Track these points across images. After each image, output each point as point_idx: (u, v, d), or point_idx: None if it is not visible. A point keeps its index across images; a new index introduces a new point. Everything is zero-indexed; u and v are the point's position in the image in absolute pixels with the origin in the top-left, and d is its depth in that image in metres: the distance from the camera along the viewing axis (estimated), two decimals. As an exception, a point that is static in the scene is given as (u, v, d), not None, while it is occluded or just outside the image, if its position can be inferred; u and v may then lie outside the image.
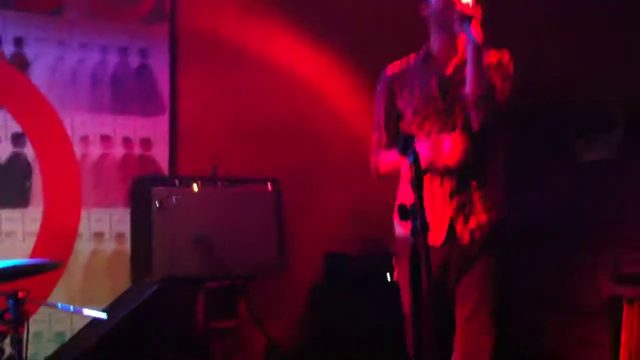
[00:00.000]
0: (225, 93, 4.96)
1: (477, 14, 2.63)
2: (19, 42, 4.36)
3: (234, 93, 5.00)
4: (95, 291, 4.45)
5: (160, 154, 4.74)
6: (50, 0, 4.48)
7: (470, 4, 2.65)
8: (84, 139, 4.53)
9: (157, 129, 4.74)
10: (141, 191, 4.21)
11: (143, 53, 4.74)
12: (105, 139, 4.60)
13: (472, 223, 2.69)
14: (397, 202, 2.76)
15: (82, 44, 4.55)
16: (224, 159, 4.59)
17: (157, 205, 4.05)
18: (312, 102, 5.22)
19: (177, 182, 4.23)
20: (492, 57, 2.75)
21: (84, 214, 4.48)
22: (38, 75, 4.40)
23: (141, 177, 4.33)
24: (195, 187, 4.24)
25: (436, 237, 2.65)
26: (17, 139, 4.33)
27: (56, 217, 4.38)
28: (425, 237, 2.25)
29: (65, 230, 4.41)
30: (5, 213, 4.28)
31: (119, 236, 4.56)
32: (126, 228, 4.47)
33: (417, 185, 2.28)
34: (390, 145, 2.82)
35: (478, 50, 2.58)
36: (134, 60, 4.71)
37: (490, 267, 2.69)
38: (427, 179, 2.59)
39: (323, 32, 5.18)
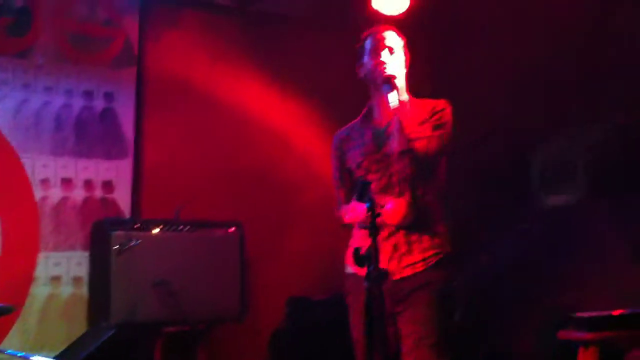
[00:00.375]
0: (191, 138, 4.99)
1: (398, 73, 2.89)
2: (-18, 84, 4.37)
3: (200, 138, 5.02)
4: (51, 336, 4.37)
5: (123, 197, 4.73)
6: (16, 43, 4.51)
7: (391, 65, 2.90)
8: (45, 182, 4.50)
9: (120, 172, 4.74)
10: (101, 235, 4.19)
11: (108, 97, 4.76)
12: (67, 182, 4.57)
13: (405, 262, 2.78)
14: (350, 245, 2.94)
15: (47, 87, 4.56)
16: (189, 203, 4.59)
17: (116, 249, 4.01)
18: (279, 147, 5.26)
19: (137, 225, 4.21)
20: (427, 106, 2.94)
21: (41, 257, 4.42)
22: (1, 118, 4.39)
23: (101, 220, 4.29)
24: (156, 231, 4.21)
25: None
26: (-25, 181, 4.30)
27: (13, 260, 4.31)
28: (381, 283, 2.26)
29: (21, 273, 4.34)
30: (-39, 256, 4.22)
31: (77, 280, 4.50)
32: (84, 272, 4.44)
33: (373, 231, 2.31)
34: (348, 200, 2.99)
35: (399, 109, 2.79)
36: (99, 104, 4.73)
37: (427, 303, 2.74)
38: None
39: (292, 79, 5.26)
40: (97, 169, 4.67)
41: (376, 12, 5.21)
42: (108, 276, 4.05)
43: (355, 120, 3.09)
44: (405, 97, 2.91)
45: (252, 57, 5.15)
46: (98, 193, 4.67)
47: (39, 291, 4.40)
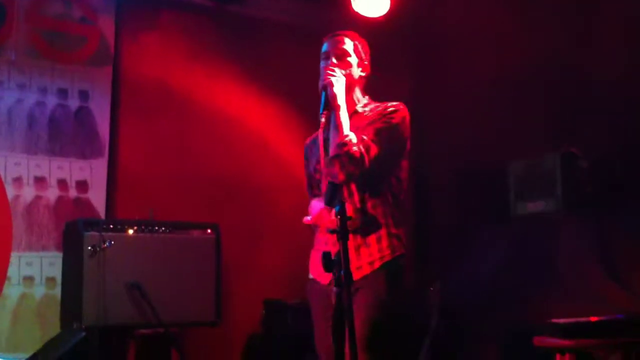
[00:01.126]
0: (167, 138, 4.94)
1: (338, 80, 2.88)
2: (-47, 80, 4.30)
3: (177, 139, 4.98)
4: (24, 337, 4.32)
5: (97, 198, 4.68)
6: (-11, 39, 4.45)
7: (334, 72, 2.90)
8: (17, 181, 4.44)
9: (94, 172, 4.68)
10: (74, 235, 4.12)
11: (83, 95, 4.70)
12: (40, 181, 4.52)
13: (353, 265, 2.64)
14: (314, 249, 2.94)
15: (20, 85, 4.51)
16: (164, 205, 4.55)
17: (89, 249, 3.95)
18: (257, 151, 5.22)
19: (111, 226, 4.15)
20: (380, 108, 2.94)
21: (14, 257, 4.36)
22: (-29, 115, 4.33)
23: (74, 220, 4.22)
24: (130, 232, 4.16)
25: (326, 276, 2.75)
26: (-54, 180, 4.23)
27: (-16, 260, 4.26)
28: (349, 288, 2.24)
29: (-7, 273, 4.28)
30: None
31: (50, 280, 4.44)
32: (58, 272, 4.36)
33: (342, 235, 2.28)
34: (316, 195, 3.02)
35: (335, 115, 2.82)
36: (74, 103, 4.67)
37: (367, 305, 2.70)
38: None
39: (270, 82, 5.23)
40: (71, 169, 4.62)
41: (356, 15, 5.21)
42: (81, 277, 3.98)
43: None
44: (340, 101, 2.86)
45: (230, 59, 5.11)
46: (72, 193, 4.61)
47: (12, 291, 4.35)
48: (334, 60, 2.98)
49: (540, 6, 4.67)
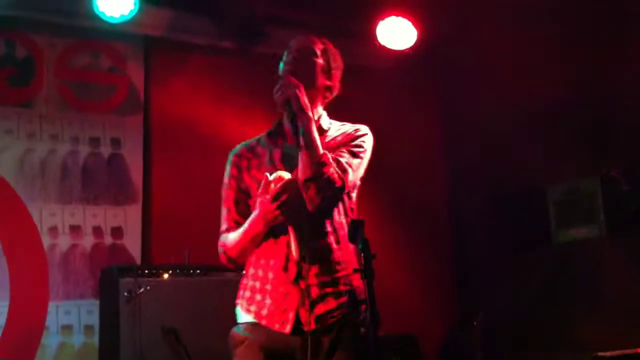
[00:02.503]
0: (199, 181, 4.95)
1: (296, 93, 2.41)
2: (-15, 135, 4.40)
3: (209, 180, 4.91)
4: (64, 387, 4.33)
5: (133, 243, 4.70)
6: (20, 94, 4.55)
7: (287, 88, 2.43)
8: (53, 230, 4.50)
9: (129, 217, 4.71)
10: (109, 282, 4.14)
11: (115, 143, 4.77)
12: (75, 229, 4.56)
13: (320, 310, 2.38)
14: (249, 281, 2.49)
15: (52, 136, 4.59)
16: (200, 246, 4.52)
17: (125, 296, 3.96)
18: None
19: (146, 271, 4.15)
20: (347, 130, 2.62)
21: (51, 306, 4.39)
22: (6, 168, 4.41)
23: (110, 267, 4.24)
24: (165, 276, 4.16)
25: (284, 323, 2.39)
26: (-18, 231, 4.30)
27: (23, 310, 4.29)
28: (377, 328, 2.16)
29: (31, 323, 4.31)
30: (-29, 307, 4.20)
31: (88, 329, 4.46)
32: (95, 320, 4.37)
33: (368, 273, 2.22)
34: (240, 224, 2.52)
35: (303, 136, 2.38)
36: (106, 150, 4.74)
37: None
38: (271, 257, 2.44)
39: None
40: (106, 216, 4.66)
41: (383, 48, 5.21)
42: (117, 324, 3.99)
43: (258, 139, 2.66)
44: (311, 114, 2.42)
45: (257, 97, 5.11)
46: (108, 240, 4.65)
47: (51, 341, 4.37)
48: (294, 64, 2.54)
49: (572, 27, 4.60)
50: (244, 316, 2.48)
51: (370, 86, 5.42)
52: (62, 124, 4.61)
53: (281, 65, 2.59)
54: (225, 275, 4.34)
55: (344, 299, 2.41)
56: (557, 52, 4.62)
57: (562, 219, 4.74)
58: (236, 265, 2.56)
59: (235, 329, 2.48)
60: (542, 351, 4.41)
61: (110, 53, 4.81)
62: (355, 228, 2.30)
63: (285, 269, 2.41)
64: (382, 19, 5.09)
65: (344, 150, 2.52)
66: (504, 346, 4.61)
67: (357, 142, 2.58)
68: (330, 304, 2.39)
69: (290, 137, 2.51)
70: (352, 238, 2.29)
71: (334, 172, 2.39)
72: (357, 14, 5.11)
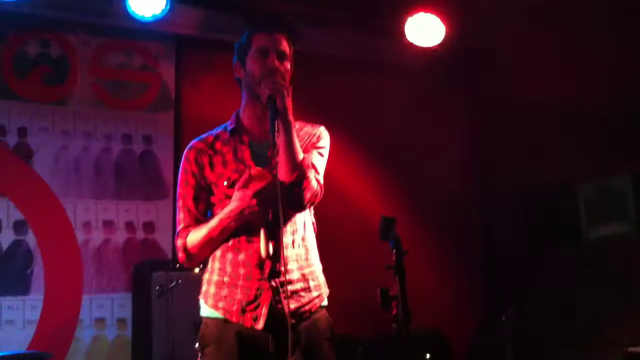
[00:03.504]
0: (228, 177, 5.01)
1: (287, 94, 2.34)
2: (23, 132, 4.49)
3: (237, 176, 5.04)
4: (97, 379, 4.41)
5: (164, 238, 4.77)
6: (55, 92, 4.64)
7: (280, 78, 2.39)
8: (86, 225, 4.58)
9: (160, 212, 4.78)
10: (142, 276, 4.22)
11: (147, 140, 4.84)
12: (108, 224, 4.64)
13: (292, 305, 2.37)
14: (214, 276, 2.44)
15: (86, 133, 4.67)
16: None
17: (157, 290, 4.02)
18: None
19: (177, 265, 4.19)
20: (308, 130, 2.57)
21: (85, 300, 4.48)
22: (41, 164, 4.51)
23: (142, 262, 4.33)
24: (196, 271, 4.21)
25: (257, 320, 2.37)
26: (18, 227, 4.39)
27: (57, 304, 4.38)
28: (409, 325, 2.19)
29: (66, 317, 4.40)
30: (6, 301, 4.29)
31: (121, 322, 4.53)
32: (128, 313, 4.45)
33: (399, 271, 2.24)
34: (200, 221, 2.47)
35: (286, 138, 2.32)
36: (138, 147, 4.81)
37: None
38: (240, 252, 2.40)
39: (328, 117, 5.20)
40: (138, 211, 4.73)
41: (411, 45, 5.21)
42: (150, 318, 4.07)
43: (216, 130, 2.57)
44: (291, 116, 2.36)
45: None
46: (140, 234, 4.72)
47: (84, 334, 4.45)
48: (277, 62, 2.45)
49: (604, 26, 4.57)
50: (210, 312, 2.43)
51: (400, 83, 5.44)
52: (96, 121, 4.69)
53: (238, 51, 2.53)
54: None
55: (313, 293, 2.45)
56: (588, 49, 4.58)
57: (592, 216, 4.71)
58: (194, 263, 2.50)
59: (203, 328, 2.44)
60: (572, 347, 4.39)
61: (142, 52, 4.89)
62: (387, 225, 2.33)
63: (259, 265, 2.38)
64: (411, 15, 5.09)
65: (311, 150, 2.50)
66: (535, 342, 4.60)
67: (321, 142, 2.55)
68: (302, 299, 2.41)
69: (257, 134, 2.48)
70: (384, 235, 2.31)
71: (313, 176, 2.40)
72: (385, 11, 5.12)
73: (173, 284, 4.03)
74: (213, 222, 2.39)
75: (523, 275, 5.07)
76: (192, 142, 2.56)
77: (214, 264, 2.47)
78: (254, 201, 2.32)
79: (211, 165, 2.48)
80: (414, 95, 5.46)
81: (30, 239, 4.40)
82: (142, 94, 4.87)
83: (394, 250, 2.25)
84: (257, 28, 2.56)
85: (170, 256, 4.73)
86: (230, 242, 2.42)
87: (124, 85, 4.83)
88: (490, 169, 5.59)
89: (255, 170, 2.38)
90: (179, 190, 2.55)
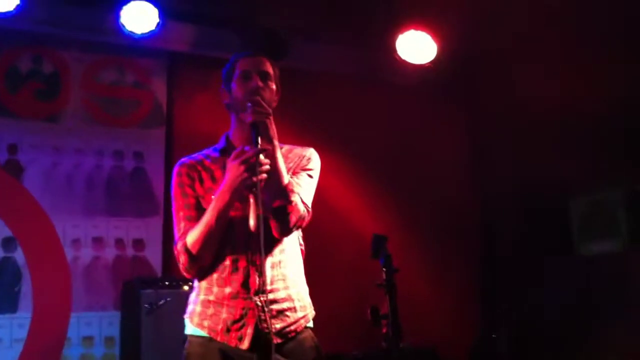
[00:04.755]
0: (219, 194, 4.99)
1: (268, 112, 2.41)
2: (13, 148, 4.47)
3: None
4: (85, 398, 4.37)
5: (154, 255, 4.75)
6: (46, 108, 4.63)
7: (262, 101, 2.43)
8: (76, 242, 4.56)
9: (150, 230, 4.76)
10: (131, 293, 4.17)
11: (138, 156, 4.83)
12: (98, 241, 4.62)
13: (278, 325, 2.39)
14: (200, 295, 2.44)
15: (77, 149, 4.66)
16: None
17: (146, 307, 3.99)
18: (314, 203, 5.21)
19: (167, 283, 4.18)
20: (295, 153, 2.61)
21: (73, 317, 4.43)
22: (31, 181, 4.49)
23: (131, 279, 4.29)
24: (186, 288, 4.18)
25: (242, 339, 2.37)
26: (7, 244, 4.36)
27: (45, 322, 4.34)
28: (399, 343, 2.18)
29: (53, 335, 4.36)
30: (-7, 319, 4.25)
31: (109, 340, 4.49)
32: (116, 331, 4.41)
33: (390, 288, 2.24)
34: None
35: (271, 162, 2.36)
36: (129, 164, 4.80)
37: None
38: (226, 272, 2.40)
39: (324, 134, 5.24)
40: (128, 228, 4.71)
41: (404, 62, 5.22)
42: (138, 336, 4.02)
43: (205, 151, 2.62)
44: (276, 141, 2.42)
45: (280, 113, 5.15)
46: (129, 251, 4.70)
47: (72, 352, 4.41)
48: (260, 83, 2.50)
49: (598, 42, 4.60)
50: (195, 331, 2.44)
51: (395, 98, 5.45)
52: (87, 137, 4.68)
53: (225, 78, 2.60)
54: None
55: (299, 313, 2.46)
56: (584, 66, 4.61)
57: (584, 232, 4.72)
58: (196, 267, 2.44)
59: (188, 347, 2.44)
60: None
61: (134, 68, 4.89)
62: (378, 243, 2.33)
63: (245, 284, 2.39)
64: (402, 33, 5.11)
65: (300, 172, 2.54)
66: (531, 355, 4.59)
67: (310, 164, 2.59)
68: (288, 318, 2.42)
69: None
70: (375, 253, 2.31)
71: (299, 200, 2.42)
72: (379, 28, 5.13)
73: (162, 301, 4.00)
74: (208, 211, 2.38)
75: (520, 290, 5.07)
76: (181, 159, 2.60)
77: (201, 283, 2.47)
78: (243, 169, 2.31)
79: (200, 180, 2.50)
80: (409, 109, 5.47)
81: (19, 256, 4.37)
82: (134, 111, 4.87)
83: (385, 269, 2.25)
84: (240, 54, 2.62)
85: (159, 274, 4.71)
86: (217, 262, 2.42)
87: (115, 102, 4.83)
88: (489, 182, 5.62)
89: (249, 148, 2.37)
90: (175, 204, 2.53)
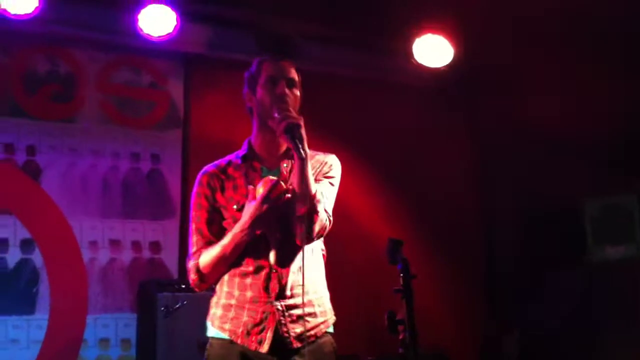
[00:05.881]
0: (236, 196, 4.98)
1: (302, 125, 2.39)
2: (31, 150, 4.48)
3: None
4: (101, 400, 4.38)
5: (170, 258, 4.75)
6: (63, 109, 4.64)
7: (291, 106, 2.47)
8: (93, 244, 4.56)
9: (167, 232, 4.76)
10: (147, 296, 4.17)
11: (155, 158, 4.83)
12: (114, 244, 4.62)
13: (298, 329, 2.41)
14: (222, 299, 2.48)
15: (94, 151, 4.66)
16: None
17: (162, 310, 3.99)
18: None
19: (183, 286, 4.18)
20: (318, 159, 2.60)
21: (90, 319, 4.44)
22: (49, 182, 4.49)
23: (147, 281, 4.29)
24: (202, 291, 4.18)
25: (261, 343, 2.40)
26: (25, 245, 4.38)
27: (62, 323, 4.35)
28: (417, 350, 2.16)
29: (70, 337, 4.36)
30: (11, 320, 4.26)
31: (125, 342, 4.50)
32: (133, 334, 4.40)
33: (407, 294, 2.21)
34: (213, 243, 2.49)
35: (303, 164, 2.36)
36: (146, 166, 4.80)
37: None
38: (247, 276, 2.44)
39: (334, 134, 5.22)
40: (145, 230, 4.71)
41: (420, 66, 5.20)
42: (154, 338, 4.02)
43: (229, 157, 2.64)
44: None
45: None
46: (146, 254, 4.70)
47: (88, 354, 4.41)
48: (287, 90, 2.51)
49: (605, 49, 4.56)
50: (217, 333, 2.47)
51: (405, 103, 5.42)
52: (104, 139, 4.69)
53: (249, 81, 2.62)
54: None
55: (319, 318, 2.48)
56: (594, 70, 4.57)
57: (598, 237, 4.66)
58: (205, 285, 2.52)
59: (209, 348, 2.47)
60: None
61: (150, 69, 4.89)
62: (394, 248, 2.31)
63: (266, 289, 2.41)
64: (419, 36, 5.08)
65: (322, 179, 2.54)
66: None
67: (332, 172, 2.60)
68: (308, 323, 2.42)
69: (269, 161, 2.55)
70: (392, 258, 2.29)
71: (322, 209, 2.42)
72: (392, 31, 5.11)
73: (179, 304, 4.00)
74: (226, 239, 2.42)
75: (527, 295, 5.02)
76: (205, 167, 2.63)
77: (222, 287, 2.51)
78: (265, 207, 2.35)
79: (222, 189, 2.52)
80: (419, 114, 5.45)
81: (37, 257, 4.38)
82: (150, 112, 4.87)
83: (402, 274, 2.22)
84: (266, 56, 2.64)
85: (176, 276, 4.71)
86: (238, 266, 2.45)
87: (132, 103, 4.83)
88: (494, 187, 5.58)
89: (267, 178, 2.40)
90: (192, 213, 2.59)
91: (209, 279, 2.50)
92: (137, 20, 4.40)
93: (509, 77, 5.18)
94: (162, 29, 4.44)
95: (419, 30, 5.05)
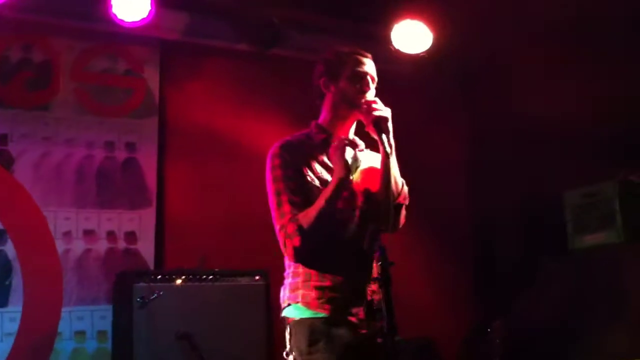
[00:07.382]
0: (214, 186, 4.92)
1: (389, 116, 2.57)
2: (3, 139, 4.38)
3: (223, 186, 4.95)
4: (77, 393, 4.30)
5: (146, 248, 4.66)
6: (37, 97, 4.53)
7: (383, 109, 2.58)
8: (67, 235, 4.47)
9: (143, 222, 4.68)
10: (123, 287, 4.12)
11: (130, 147, 4.74)
12: (89, 234, 4.54)
13: (376, 309, 2.44)
14: (309, 282, 2.57)
15: (68, 139, 4.56)
16: (214, 252, 4.51)
17: (138, 301, 3.94)
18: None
19: (159, 276, 4.13)
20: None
21: (65, 312, 4.36)
22: (22, 172, 4.39)
23: (124, 272, 4.22)
24: (179, 282, 4.13)
25: (355, 319, 2.53)
26: (-3, 237, 4.29)
27: (36, 316, 4.26)
28: (393, 338, 2.12)
29: (45, 329, 4.28)
30: (-17, 313, 4.18)
31: (101, 334, 4.42)
32: (108, 325, 4.34)
33: (385, 282, 2.18)
34: (306, 207, 2.56)
35: (387, 159, 2.50)
36: (121, 154, 4.71)
37: None
38: (337, 259, 2.54)
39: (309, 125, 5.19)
40: (120, 220, 4.63)
41: (397, 52, 5.15)
42: (130, 329, 3.97)
43: (300, 134, 2.77)
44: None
45: (275, 101, 5.08)
46: (121, 244, 4.62)
47: (64, 346, 4.33)
48: (371, 86, 2.69)
49: (591, 36, 4.55)
50: (314, 313, 2.53)
51: (391, 90, 5.37)
52: (78, 127, 4.58)
53: (330, 67, 2.71)
54: (239, 281, 4.34)
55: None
56: (579, 60, 4.57)
57: (579, 225, 4.67)
58: (307, 248, 2.52)
59: (309, 327, 2.52)
60: (564, 358, 4.34)
61: (126, 56, 4.79)
62: (372, 236, 2.28)
63: (354, 273, 2.52)
64: (397, 22, 5.03)
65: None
66: (522, 353, 4.55)
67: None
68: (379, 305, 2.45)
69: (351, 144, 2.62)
70: (370, 245, 2.26)
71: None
72: (375, 18, 5.06)
73: (155, 295, 3.96)
74: (321, 198, 2.51)
75: (515, 284, 5.03)
76: (282, 141, 2.69)
77: (310, 271, 2.57)
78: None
79: (307, 162, 2.62)
80: (406, 101, 5.40)
81: (10, 249, 4.28)
82: (126, 100, 4.78)
83: (380, 262, 2.19)
84: (350, 49, 2.73)
85: (151, 267, 4.64)
86: (328, 252, 2.54)
87: (108, 91, 4.73)
88: (482, 176, 5.58)
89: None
90: (276, 186, 2.60)
91: (312, 238, 2.49)
92: (111, 5, 4.31)
93: (497, 62, 5.17)
94: (136, 14, 4.34)
95: (398, 15, 5.00)
